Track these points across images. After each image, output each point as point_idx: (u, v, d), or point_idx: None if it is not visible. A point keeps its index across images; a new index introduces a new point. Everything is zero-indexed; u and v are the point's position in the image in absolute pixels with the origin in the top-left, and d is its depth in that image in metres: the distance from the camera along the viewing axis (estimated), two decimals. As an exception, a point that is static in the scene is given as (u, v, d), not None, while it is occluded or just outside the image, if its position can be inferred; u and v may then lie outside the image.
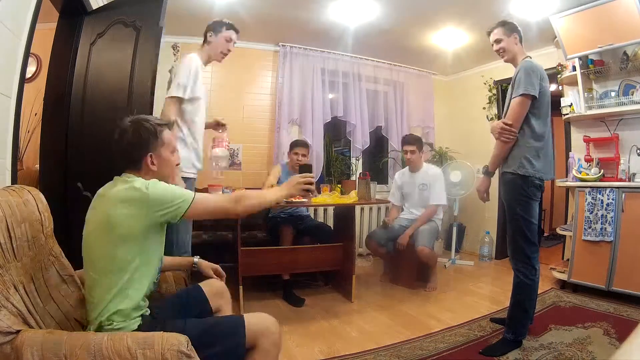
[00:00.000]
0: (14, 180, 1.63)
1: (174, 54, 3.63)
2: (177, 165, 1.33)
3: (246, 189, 3.40)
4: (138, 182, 1.11)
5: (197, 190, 3.48)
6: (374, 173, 4.50)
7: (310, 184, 1.31)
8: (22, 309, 0.96)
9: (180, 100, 1.99)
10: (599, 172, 2.89)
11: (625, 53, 2.89)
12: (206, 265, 1.54)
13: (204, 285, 1.41)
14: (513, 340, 1.94)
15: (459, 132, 4.69)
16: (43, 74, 2.64)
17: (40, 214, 1.12)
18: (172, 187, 1.14)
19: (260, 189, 3.64)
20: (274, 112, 3.86)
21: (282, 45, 3.81)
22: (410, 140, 3.26)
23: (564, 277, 2.95)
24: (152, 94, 2.02)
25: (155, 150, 1.20)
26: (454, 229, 4.03)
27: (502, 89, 4.20)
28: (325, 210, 3.93)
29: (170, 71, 3.42)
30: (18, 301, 0.95)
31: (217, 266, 1.54)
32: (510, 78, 2.03)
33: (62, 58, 2.27)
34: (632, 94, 2.83)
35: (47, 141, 2.18)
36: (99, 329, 1.07)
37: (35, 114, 2.62)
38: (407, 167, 3.40)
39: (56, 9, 2.26)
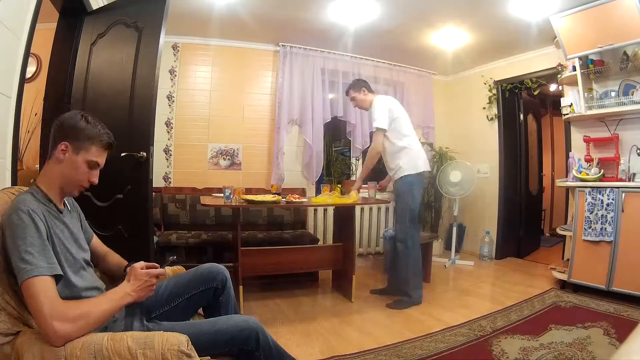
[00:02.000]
0: (14, 181, 1.64)
1: (174, 54, 3.63)
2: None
3: (246, 189, 3.42)
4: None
5: (196, 190, 3.50)
6: (374, 173, 4.50)
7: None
8: (22, 311, 0.96)
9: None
10: (599, 172, 2.89)
11: (625, 53, 2.88)
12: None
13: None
14: None
15: (459, 132, 4.69)
16: (43, 74, 2.65)
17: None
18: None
19: (261, 189, 3.66)
20: (274, 112, 3.86)
21: (282, 45, 3.81)
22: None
23: (564, 277, 2.95)
24: (155, 95, 2.03)
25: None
26: (454, 229, 4.03)
27: (502, 89, 4.20)
28: (325, 210, 3.93)
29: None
30: (18, 303, 0.96)
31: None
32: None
33: (62, 58, 2.27)
34: (632, 94, 2.83)
35: (47, 141, 2.18)
36: None
37: (36, 114, 2.62)
38: None
39: (56, 9, 2.27)
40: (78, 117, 1.08)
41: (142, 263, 1.15)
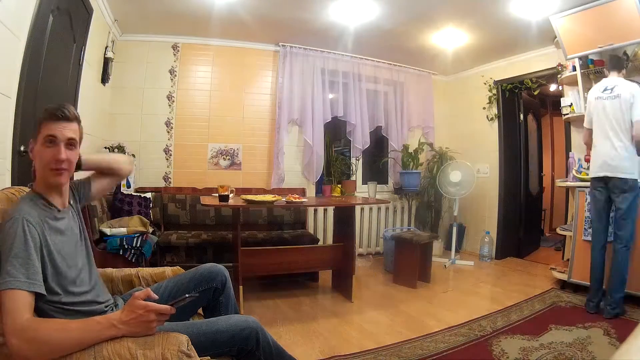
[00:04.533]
0: (14, 181, 1.64)
1: (174, 54, 3.63)
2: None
3: (246, 189, 3.42)
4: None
5: (196, 190, 3.51)
6: (374, 173, 4.51)
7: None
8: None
9: None
10: (599, 172, 2.89)
11: (625, 53, 2.88)
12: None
13: None
14: None
15: (459, 132, 4.69)
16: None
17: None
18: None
19: (261, 189, 3.65)
20: (274, 112, 3.86)
21: (282, 45, 3.81)
22: None
23: (564, 277, 2.95)
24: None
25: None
26: (454, 229, 4.03)
27: (502, 89, 4.20)
28: (325, 210, 3.94)
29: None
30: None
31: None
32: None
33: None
34: (632, 94, 2.82)
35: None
36: None
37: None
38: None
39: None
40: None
41: (147, 291, 0.97)
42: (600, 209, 2.48)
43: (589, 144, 2.61)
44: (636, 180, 2.34)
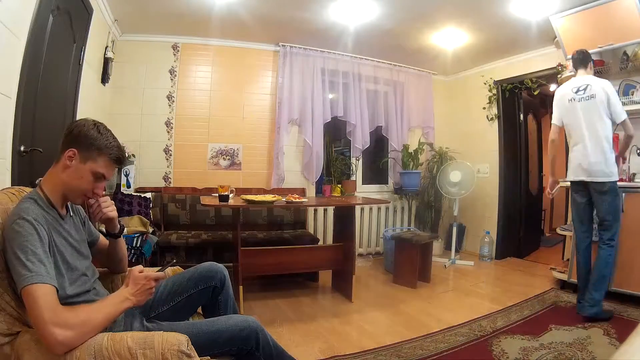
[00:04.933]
0: (14, 181, 1.64)
1: (174, 54, 3.63)
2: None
3: (246, 189, 3.41)
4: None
5: (196, 190, 3.51)
6: (374, 173, 4.51)
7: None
8: (22, 311, 0.95)
9: None
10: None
11: (625, 53, 2.88)
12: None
13: None
14: None
15: (459, 132, 4.69)
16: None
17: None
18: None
19: (261, 189, 3.66)
20: (274, 112, 3.86)
21: (282, 45, 3.81)
22: None
23: (564, 277, 2.95)
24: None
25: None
26: (454, 229, 4.03)
27: (502, 89, 4.20)
28: (325, 210, 3.93)
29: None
30: (18, 303, 0.95)
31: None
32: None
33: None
34: (632, 94, 2.83)
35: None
36: None
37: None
38: None
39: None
40: (90, 126, 1.07)
41: (140, 267, 1.11)
42: (581, 211, 2.49)
43: (555, 142, 2.66)
44: (614, 181, 2.33)
